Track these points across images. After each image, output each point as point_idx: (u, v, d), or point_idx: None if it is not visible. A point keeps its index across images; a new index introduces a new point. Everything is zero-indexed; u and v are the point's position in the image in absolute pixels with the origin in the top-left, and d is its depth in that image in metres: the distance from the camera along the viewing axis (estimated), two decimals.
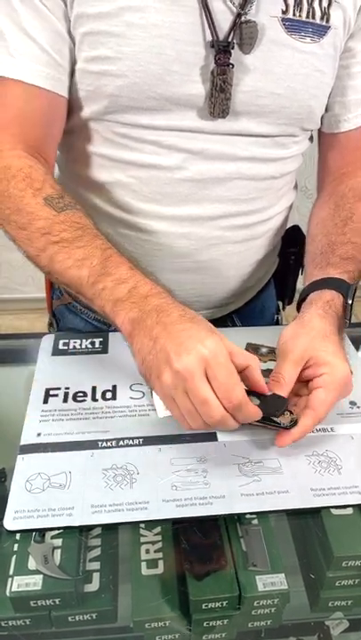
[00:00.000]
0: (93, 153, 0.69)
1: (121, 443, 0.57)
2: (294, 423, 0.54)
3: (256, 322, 0.89)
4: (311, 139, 0.77)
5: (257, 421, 0.53)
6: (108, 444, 0.57)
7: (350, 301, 0.62)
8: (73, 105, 0.67)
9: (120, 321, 0.55)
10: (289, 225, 0.86)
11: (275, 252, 0.86)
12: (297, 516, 0.52)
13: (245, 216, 0.73)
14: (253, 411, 0.52)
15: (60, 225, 0.60)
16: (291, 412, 0.55)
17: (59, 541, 0.49)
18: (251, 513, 0.51)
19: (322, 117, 0.72)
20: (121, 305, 0.55)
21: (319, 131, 0.76)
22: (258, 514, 0.51)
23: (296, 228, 0.86)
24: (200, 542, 0.50)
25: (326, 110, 0.72)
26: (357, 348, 0.82)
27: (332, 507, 0.51)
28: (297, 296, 0.70)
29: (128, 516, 0.49)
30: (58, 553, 0.48)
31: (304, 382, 0.57)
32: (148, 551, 0.49)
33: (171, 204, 0.70)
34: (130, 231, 0.72)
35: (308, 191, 1.41)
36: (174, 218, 0.70)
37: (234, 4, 0.59)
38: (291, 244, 0.87)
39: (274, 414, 0.54)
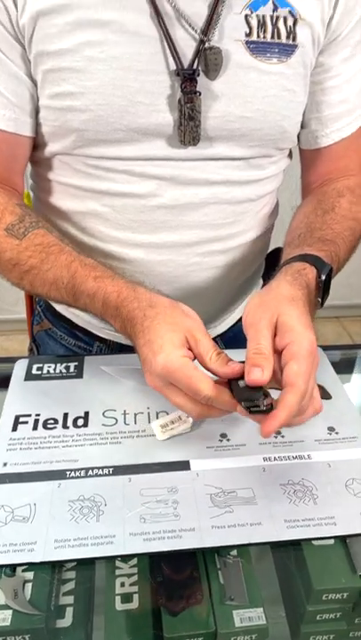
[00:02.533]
0: (65, 184, 0.69)
1: (90, 472, 0.55)
2: (271, 407, 0.48)
3: (242, 344, 0.87)
4: (290, 155, 0.76)
5: (244, 408, 0.50)
6: (77, 473, 0.55)
7: (323, 277, 0.59)
8: (40, 140, 0.67)
9: (116, 329, 0.59)
10: (272, 247, 0.85)
11: (258, 275, 0.85)
12: (278, 546, 0.50)
13: (223, 241, 0.72)
14: (227, 401, 0.50)
15: (24, 253, 0.60)
16: (267, 395, 0.50)
17: (30, 575, 0.47)
18: (224, 546, 0.49)
19: (299, 134, 0.72)
20: (105, 317, 0.59)
21: (299, 147, 0.75)
22: (230, 547, 0.49)
23: (280, 250, 0.85)
24: (175, 576, 0.48)
25: (303, 127, 0.71)
26: (352, 370, 0.80)
27: (306, 539, 0.49)
28: None
29: (93, 552, 0.47)
30: (29, 587, 0.46)
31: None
32: (123, 584, 0.47)
33: (146, 232, 0.69)
34: (106, 260, 0.71)
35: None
36: (151, 245, 0.70)
37: (196, 31, 0.59)
38: (275, 266, 0.86)
39: (250, 398, 0.49)
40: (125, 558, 0.48)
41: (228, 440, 0.59)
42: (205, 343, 0.53)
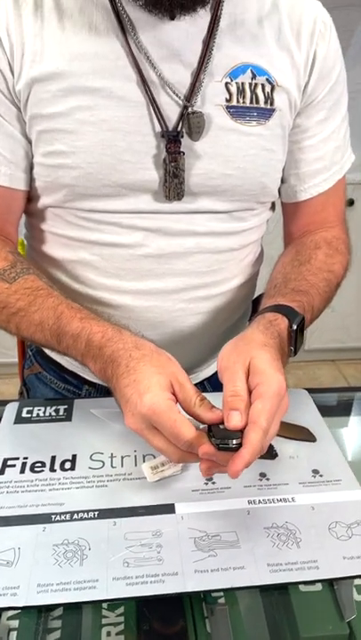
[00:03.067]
0: (57, 234, 0.73)
1: (75, 516, 0.55)
2: (239, 445, 0.49)
3: None
4: (273, 208, 0.80)
5: (213, 444, 0.50)
6: (62, 517, 0.55)
7: (295, 327, 0.60)
8: (34, 194, 0.71)
9: (93, 371, 0.59)
10: (260, 292, 0.88)
11: (244, 320, 0.87)
12: (265, 591, 0.50)
13: (208, 288, 0.74)
14: (205, 447, 0.50)
15: (13, 296, 0.62)
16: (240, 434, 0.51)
17: (15, 623, 0.47)
18: (207, 590, 0.49)
19: (280, 188, 0.76)
20: (86, 359, 0.59)
21: (280, 200, 0.79)
22: (216, 591, 0.49)
23: None
24: (162, 625, 0.47)
25: (283, 182, 0.75)
26: (349, 413, 0.82)
27: (289, 583, 0.50)
28: None
29: (75, 596, 0.47)
30: (13, 636, 0.46)
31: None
32: (109, 634, 0.46)
33: (133, 279, 0.72)
34: (95, 306, 0.73)
35: None
36: (137, 292, 0.72)
37: (180, 97, 0.63)
38: None
39: (225, 437, 0.50)
40: (112, 606, 0.48)
41: (213, 483, 0.60)
42: (189, 388, 0.54)
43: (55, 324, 0.60)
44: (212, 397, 0.56)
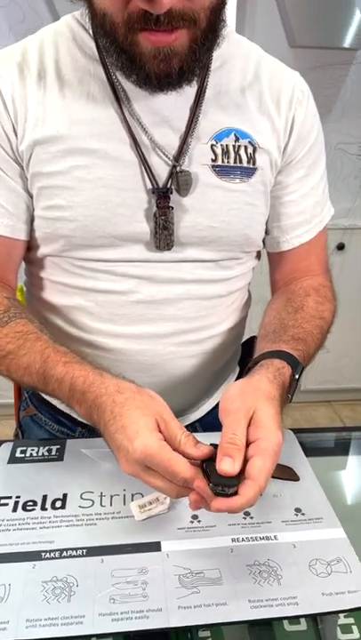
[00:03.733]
0: (54, 281, 0.77)
1: (64, 553, 0.57)
2: (234, 493, 0.51)
3: (218, 429, 0.91)
4: (259, 257, 0.85)
5: (210, 489, 0.52)
6: (52, 554, 0.57)
7: (297, 377, 0.64)
8: (34, 243, 0.76)
9: (80, 414, 0.62)
10: (248, 335, 0.92)
11: (233, 363, 0.90)
12: (253, 628, 0.52)
13: (197, 332, 0.78)
14: (199, 484, 0.52)
15: (4, 339, 0.66)
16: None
17: None
18: (189, 626, 0.51)
19: (265, 239, 0.81)
20: (71, 402, 0.62)
21: (265, 250, 0.84)
22: (202, 626, 0.51)
23: (255, 338, 0.92)
24: None
25: (267, 233, 0.80)
26: (347, 452, 0.84)
27: (269, 619, 0.51)
28: None
29: (62, 631, 0.49)
30: None
31: None
32: None
33: (126, 324, 0.75)
34: (89, 349, 0.77)
35: None
36: (130, 336, 0.76)
37: (169, 158, 0.69)
38: (251, 353, 0.92)
39: (221, 484, 0.52)
40: None
41: (198, 521, 0.62)
42: (174, 425, 0.57)
43: (41, 368, 0.63)
44: (203, 437, 0.58)
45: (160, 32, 0.57)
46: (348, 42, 2.01)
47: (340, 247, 2.33)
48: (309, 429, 0.81)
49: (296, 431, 0.78)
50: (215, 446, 0.56)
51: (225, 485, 0.51)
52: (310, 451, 0.75)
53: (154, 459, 0.53)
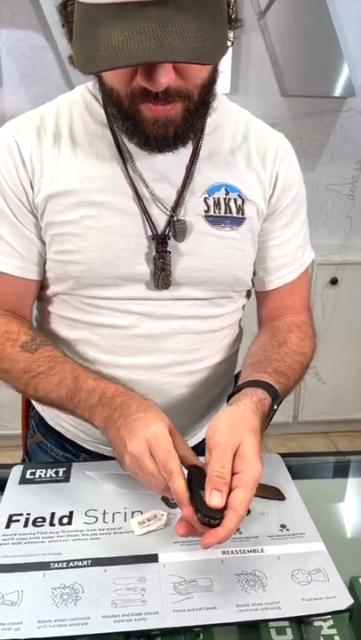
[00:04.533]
0: (63, 316, 0.85)
1: (71, 564, 0.63)
2: (218, 524, 0.57)
3: None
4: (248, 295, 0.93)
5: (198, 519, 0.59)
6: (60, 565, 0.63)
7: (276, 407, 0.72)
8: (46, 283, 0.84)
9: (97, 422, 0.70)
10: (240, 368, 0.99)
11: (225, 394, 0.97)
12: (243, 636, 0.57)
13: (191, 364, 0.86)
14: (187, 513, 0.59)
15: (35, 362, 0.75)
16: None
17: None
18: (182, 627, 0.57)
19: (253, 279, 0.89)
20: (95, 409, 0.70)
21: (253, 288, 0.92)
22: (189, 628, 0.57)
23: None
24: None
25: (254, 274, 0.89)
26: (347, 475, 0.90)
27: (254, 621, 0.57)
28: None
29: (69, 631, 0.55)
30: None
31: None
32: None
33: (127, 356, 0.83)
34: None
35: None
36: (131, 367, 0.84)
37: (167, 209, 0.78)
38: None
39: (209, 515, 0.58)
40: None
41: (192, 536, 0.68)
42: (179, 436, 0.66)
43: (72, 383, 0.73)
44: None
45: (159, 104, 0.66)
46: (337, 91, 2.14)
47: (334, 282, 2.41)
48: (296, 454, 0.88)
49: (284, 455, 0.84)
50: (200, 469, 0.63)
51: (212, 517, 0.58)
52: (296, 473, 0.81)
53: (159, 444, 0.62)
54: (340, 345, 2.44)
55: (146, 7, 0.55)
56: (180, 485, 0.60)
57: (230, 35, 0.70)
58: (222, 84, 0.77)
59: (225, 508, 0.58)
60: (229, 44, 0.68)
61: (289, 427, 2.57)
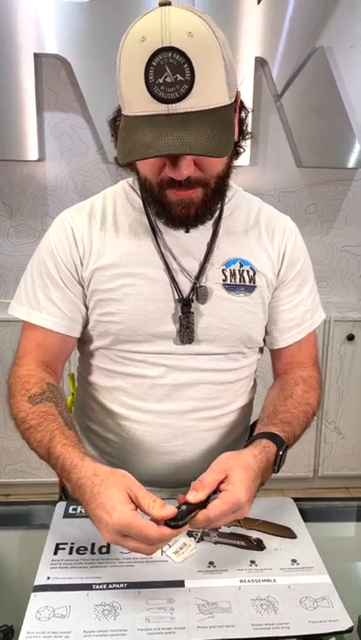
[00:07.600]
0: (101, 367, 1.00)
1: (110, 586, 0.74)
2: (184, 524, 0.70)
3: None
4: (261, 351, 1.06)
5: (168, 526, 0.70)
6: (100, 586, 0.74)
7: (281, 452, 0.84)
8: (88, 339, 0.99)
9: (69, 488, 0.77)
10: (256, 416, 1.11)
11: (242, 440, 1.09)
12: None
13: (211, 410, 0.99)
14: (168, 537, 0.70)
15: (31, 415, 0.86)
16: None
17: None
18: None
19: (265, 338, 1.03)
20: (63, 479, 0.79)
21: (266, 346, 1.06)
22: None
23: None
24: None
25: (267, 334, 1.03)
26: (339, 519, 0.99)
27: (267, 638, 0.67)
28: None
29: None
30: None
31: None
32: None
33: (154, 402, 0.97)
34: (125, 422, 0.98)
35: None
36: (158, 412, 0.97)
37: (191, 277, 0.94)
38: None
39: (175, 518, 0.69)
40: None
41: (214, 567, 0.78)
42: (142, 494, 0.71)
43: (47, 445, 0.80)
44: None
45: (182, 190, 0.82)
46: (349, 163, 2.31)
47: (350, 338, 2.50)
48: (308, 499, 0.97)
49: (297, 500, 0.94)
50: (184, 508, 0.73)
51: (178, 519, 0.70)
52: (307, 516, 0.91)
53: (129, 527, 0.67)
54: (359, 399, 2.51)
55: (171, 118, 0.73)
56: (167, 537, 0.70)
57: (247, 143, 0.89)
58: (242, 158, 0.94)
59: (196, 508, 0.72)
60: (242, 150, 0.90)
61: (309, 481, 2.60)
